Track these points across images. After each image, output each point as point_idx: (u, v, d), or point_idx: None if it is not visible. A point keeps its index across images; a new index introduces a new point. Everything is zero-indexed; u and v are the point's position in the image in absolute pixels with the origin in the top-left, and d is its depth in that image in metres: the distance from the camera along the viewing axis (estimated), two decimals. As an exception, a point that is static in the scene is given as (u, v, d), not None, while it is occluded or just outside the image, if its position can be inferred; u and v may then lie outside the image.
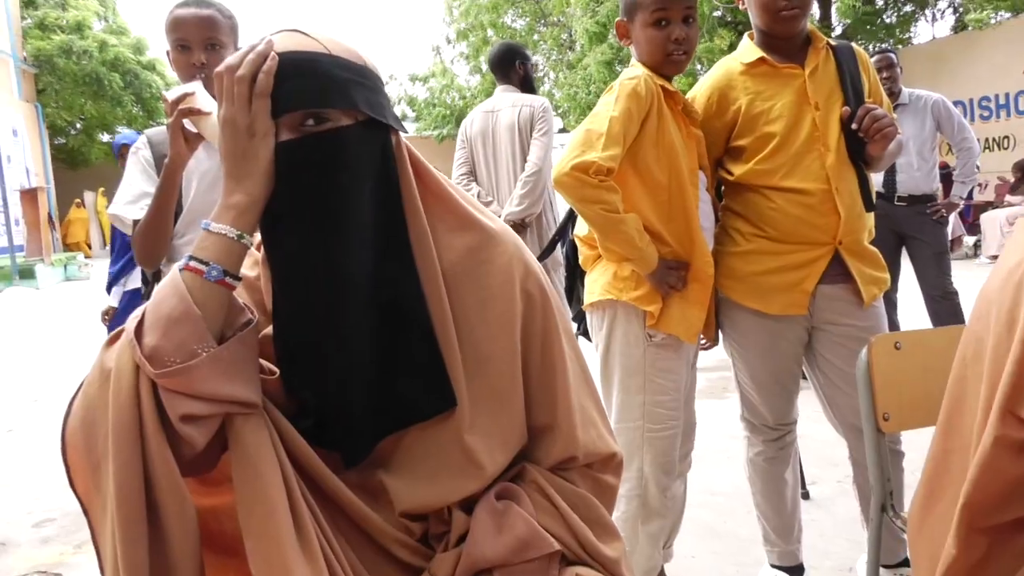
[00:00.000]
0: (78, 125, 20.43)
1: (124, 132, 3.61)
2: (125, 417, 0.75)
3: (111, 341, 0.82)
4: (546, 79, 15.22)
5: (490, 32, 14.93)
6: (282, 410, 0.86)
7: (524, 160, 3.38)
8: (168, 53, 1.81)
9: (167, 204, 1.70)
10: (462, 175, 3.50)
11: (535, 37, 15.01)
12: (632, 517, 1.78)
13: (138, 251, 1.77)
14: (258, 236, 0.88)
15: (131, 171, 1.87)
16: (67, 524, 2.78)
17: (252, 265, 0.95)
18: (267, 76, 0.79)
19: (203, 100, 1.58)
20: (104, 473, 0.76)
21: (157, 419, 0.76)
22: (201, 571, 0.81)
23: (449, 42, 15.91)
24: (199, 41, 1.76)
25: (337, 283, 0.84)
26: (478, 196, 3.39)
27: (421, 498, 0.89)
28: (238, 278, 0.82)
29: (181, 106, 1.55)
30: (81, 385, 0.81)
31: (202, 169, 1.83)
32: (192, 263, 0.80)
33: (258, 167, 0.80)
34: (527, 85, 3.59)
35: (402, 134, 0.91)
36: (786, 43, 1.80)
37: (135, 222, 1.78)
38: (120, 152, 3.48)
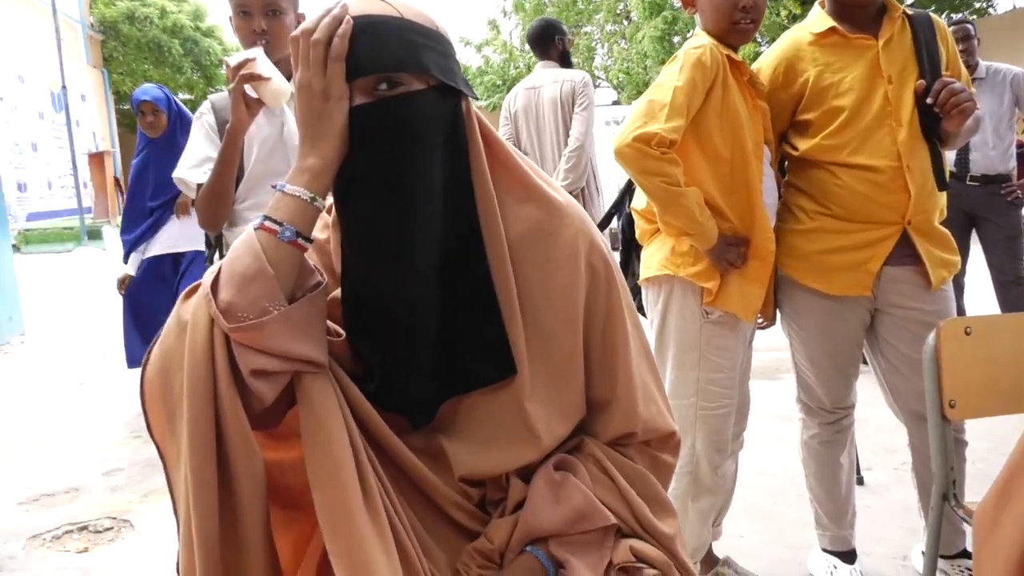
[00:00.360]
0: (142, 91, 20.95)
1: (145, 86, 3.61)
2: (200, 369, 0.78)
3: (188, 294, 0.84)
4: (599, 49, 14.95)
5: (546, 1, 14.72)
6: (347, 371, 0.88)
7: (567, 133, 3.47)
8: (230, 19, 1.83)
9: (229, 169, 1.73)
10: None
11: (590, 7, 14.74)
12: (683, 493, 1.78)
13: (201, 214, 1.82)
14: (330, 199, 0.90)
15: (195, 135, 1.91)
16: (135, 474, 2.92)
17: (322, 228, 0.97)
18: (342, 40, 0.79)
19: (263, 66, 1.60)
20: (179, 421, 0.79)
21: (229, 372, 0.78)
22: (267, 519, 0.83)
23: (505, 14, 15.76)
24: (260, 6, 1.76)
25: (406, 247, 0.85)
26: None
27: (480, 464, 0.91)
28: (310, 240, 0.84)
29: (242, 72, 1.57)
30: (159, 335, 0.84)
31: (263, 135, 1.84)
32: (267, 223, 0.81)
33: (332, 131, 0.81)
34: (566, 60, 3.67)
35: (473, 101, 0.90)
36: (860, 12, 1.72)
37: (199, 186, 1.82)
38: (140, 108, 3.46)
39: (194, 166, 1.86)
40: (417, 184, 0.84)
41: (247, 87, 1.60)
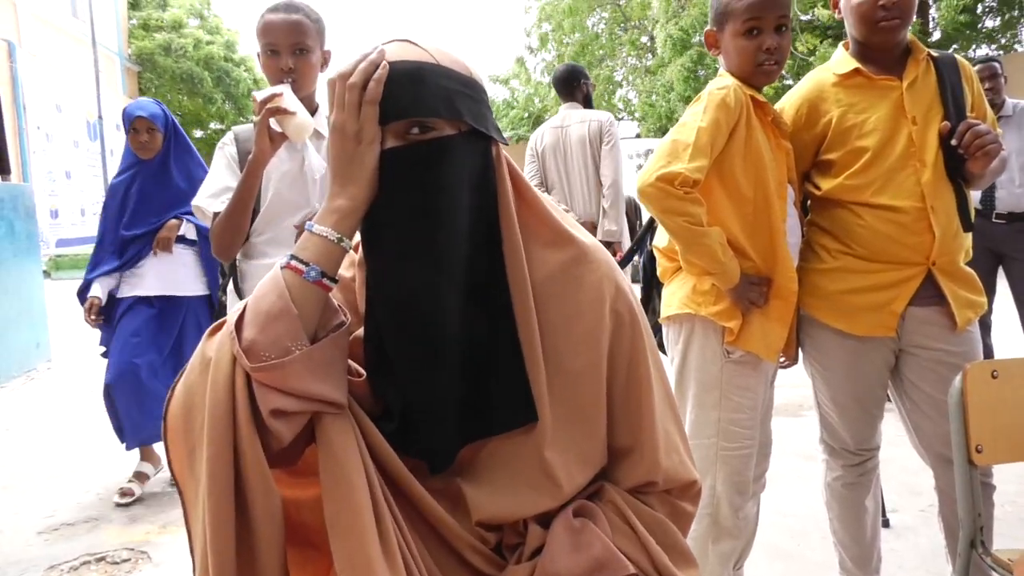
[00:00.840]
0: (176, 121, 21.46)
1: (140, 100, 3.06)
2: (220, 406, 0.79)
3: (213, 331, 0.86)
4: (625, 83, 15.08)
5: (567, 39, 14.92)
6: (367, 412, 0.88)
7: (595, 170, 3.71)
8: (258, 55, 1.87)
9: (247, 200, 1.76)
10: (534, 185, 3.70)
11: (614, 41, 14.91)
12: (703, 536, 1.75)
13: (215, 243, 1.84)
14: (357, 237, 0.91)
15: (216, 165, 1.94)
16: (154, 505, 2.94)
17: (348, 266, 0.98)
18: (377, 84, 0.81)
19: (290, 101, 1.64)
20: (199, 457, 0.80)
21: (249, 411, 0.79)
22: (284, 559, 0.83)
23: (531, 51, 16.01)
24: (287, 46, 1.81)
25: (431, 291, 0.85)
26: None
27: (498, 508, 0.90)
28: (335, 280, 0.85)
29: (268, 105, 1.62)
30: (183, 371, 0.85)
31: (283, 169, 1.87)
32: (293, 262, 0.83)
33: (363, 173, 0.83)
34: (588, 102, 3.92)
35: (503, 146, 0.92)
36: (884, 54, 1.73)
37: (215, 215, 1.85)
38: (132, 125, 2.94)
39: (213, 195, 1.89)
40: (445, 229, 0.85)
41: (272, 121, 1.64)
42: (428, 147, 0.84)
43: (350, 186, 0.83)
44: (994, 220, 3.60)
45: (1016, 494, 2.43)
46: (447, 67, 0.85)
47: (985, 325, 3.65)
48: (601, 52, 14.80)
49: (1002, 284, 3.72)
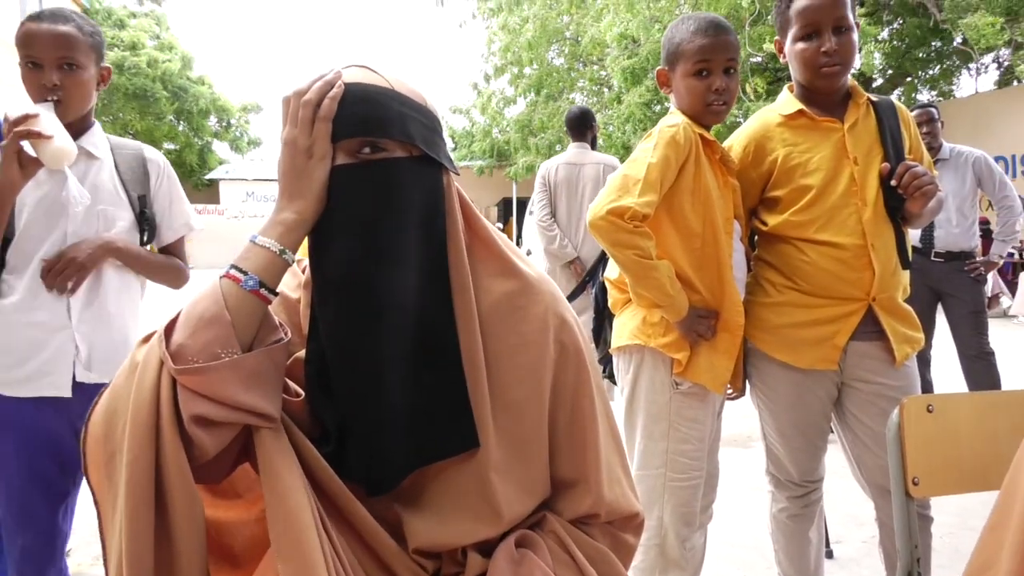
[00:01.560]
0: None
1: None
2: (143, 410, 0.76)
3: (146, 339, 0.84)
4: (580, 116, 15.32)
5: (527, 70, 15.14)
6: (304, 432, 0.86)
7: None
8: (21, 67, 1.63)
9: None
10: (545, 215, 3.99)
11: (572, 75, 15.17)
12: (650, 567, 1.76)
13: None
14: (306, 259, 0.90)
15: None
16: (86, 535, 2.81)
17: (295, 287, 0.98)
18: (332, 102, 0.83)
19: (47, 124, 1.48)
20: (118, 464, 0.77)
21: (173, 417, 0.77)
22: (206, 569, 0.80)
23: (487, 78, 16.20)
24: (53, 60, 1.58)
25: (375, 310, 0.85)
26: (558, 240, 3.91)
27: (435, 536, 0.89)
28: (275, 292, 0.84)
29: (19, 128, 1.45)
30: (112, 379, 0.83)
31: (38, 195, 1.63)
32: (232, 271, 0.82)
33: (311, 188, 0.83)
34: (594, 143, 4.20)
35: (454, 176, 0.93)
36: (826, 97, 1.80)
37: None
38: None
39: None
40: (391, 248, 0.85)
41: (27, 145, 1.46)
42: (378, 167, 0.85)
43: (297, 200, 0.83)
44: (933, 259, 3.74)
45: (953, 526, 2.49)
46: (402, 93, 0.87)
47: (924, 360, 3.77)
48: (561, 85, 15.06)
49: (941, 321, 3.86)
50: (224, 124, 23.05)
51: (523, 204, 14.82)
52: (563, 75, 15.12)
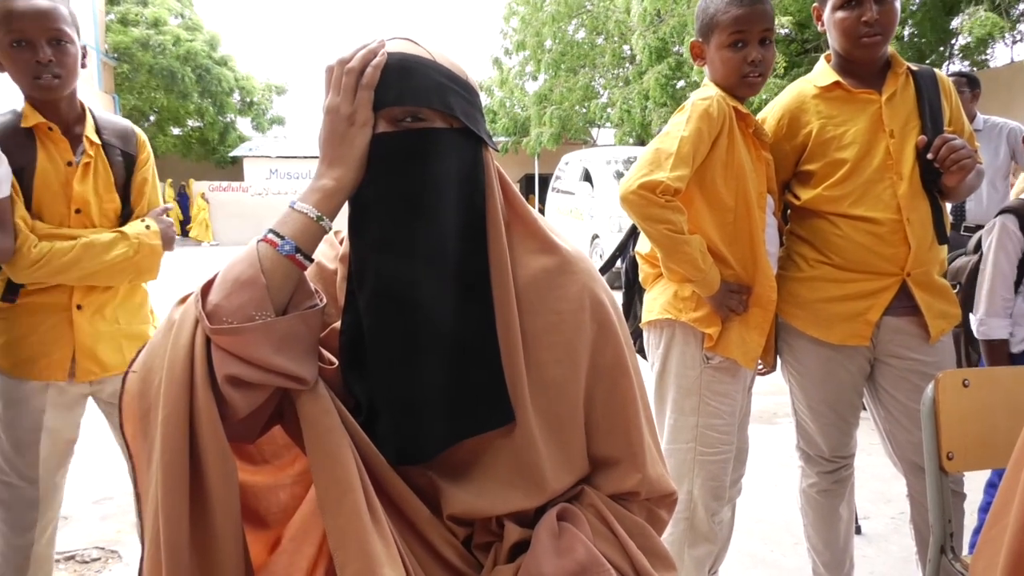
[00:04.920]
0: (151, 117, 21.21)
1: None
2: (178, 367, 0.78)
3: (183, 300, 0.85)
4: (603, 93, 15.17)
5: (548, 43, 14.98)
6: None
7: None
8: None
9: None
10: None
11: (593, 51, 14.98)
12: (679, 540, 1.77)
13: None
14: (344, 231, 0.91)
15: None
16: (124, 503, 2.89)
17: (333, 259, 0.98)
18: (375, 70, 0.83)
19: None
20: (153, 420, 0.79)
21: (207, 375, 0.78)
22: (240, 525, 0.82)
23: (508, 53, 16.06)
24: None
25: (412, 281, 0.86)
26: None
27: (471, 504, 0.90)
28: (310, 258, 0.85)
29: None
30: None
31: None
32: (269, 235, 0.83)
33: (352, 155, 0.83)
34: None
35: (492, 152, 0.93)
36: (864, 68, 1.76)
37: None
38: None
39: None
40: (430, 219, 0.85)
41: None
42: (419, 135, 0.85)
43: (337, 167, 0.84)
44: (963, 232, 3.67)
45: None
46: (444, 66, 0.87)
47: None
48: (581, 61, 14.87)
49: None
50: (247, 103, 23.12)
51: (545, 180, 14.77)
52: (584, 50, 14.93)
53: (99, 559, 2.46)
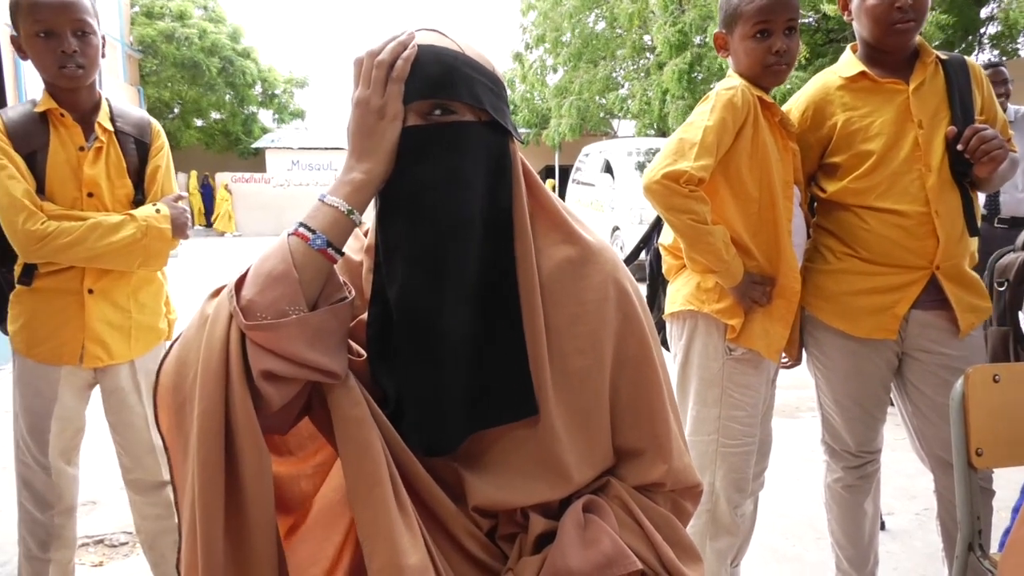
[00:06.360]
0: (175, 109, 21.43)
1: None
2: (214, 361, 0.78)
3: (215, 293, 0.86)
4: (623, 85, 15.07)
5: (567, 36, 14.91)
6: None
7: None
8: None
9: None
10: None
11: (612, 44, 14.88)
12: (700, 533, 1.76)
13: None
14: (368, 223, 0.91)
15: None
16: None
17: (358, 251, 0.98)
18: (405, 63, 0.82)
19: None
20: (188, 413, 0.80)
21: (242, 369, 0.79)
22: (273, 514, 0.83)
23: (528, 47, 16.01)
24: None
25: (440, 274, 0.86)
26: None
27: (496, 496, 0.90)
28: (340, 252, 0.85)
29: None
30: (183, 330, 0.85)
31: None
32: (300, 229, 0.83)
33: (382, 148, 0.83)
34: None
35: (518, 144, 0.93)
36: (892, 57, 1.73)
37: None
38: None
39: None
40: (457, 212, 0.85)
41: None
42: (448, 129, 0.85)
43: (366, 160, 0.83)
44: (996, 225, 3.60)
45: (1015, 500, 2.43)
46: (472, 58, 0.86)
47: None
48: (601, 53, 14.78)
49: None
50: (269, 95, 23.27)
51: (565, 172, 14.72)
52: (603, 42, 14.84)
53: (126, 543, 2.50)
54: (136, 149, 1.80)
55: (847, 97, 1.75)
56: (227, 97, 21.26)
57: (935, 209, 1.65)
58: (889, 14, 1.65)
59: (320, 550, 0.95)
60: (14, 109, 1.71)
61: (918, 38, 1.74)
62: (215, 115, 22.39)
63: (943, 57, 1.75)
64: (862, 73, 1.73)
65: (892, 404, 1.86)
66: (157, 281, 1.89)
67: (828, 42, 11.06)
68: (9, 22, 1.64)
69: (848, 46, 1.85)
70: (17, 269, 1.71)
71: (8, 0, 1.62)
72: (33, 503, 1.79)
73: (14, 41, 1.64)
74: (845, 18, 1.81)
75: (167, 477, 1.85)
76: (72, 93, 1.69)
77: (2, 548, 2.45)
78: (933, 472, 1.79)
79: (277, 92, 23.32)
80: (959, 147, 1.64)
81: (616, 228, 9.52)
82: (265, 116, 23.57)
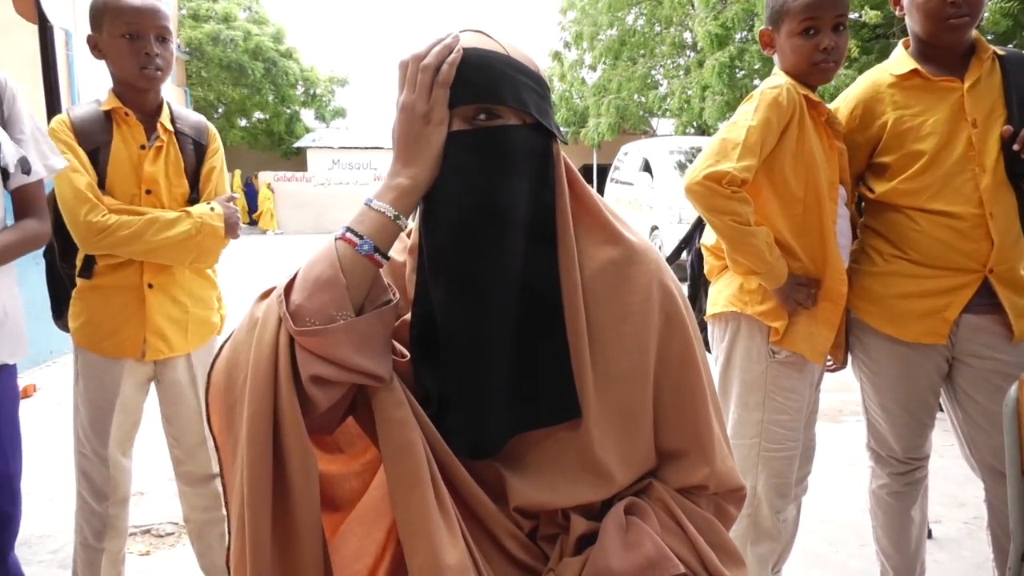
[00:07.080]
0: (220, 110, 21.87)
1: None
2: (263, 366, 0.80)
3: (264, 295, 0.87)
4: (662, 83, 14.94)
5: (607, 33, 14.84)
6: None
7: None
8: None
9: None
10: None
11: (652, 41, 14.76)
12: (742, 537, 1.74)
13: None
14: (411, 223, 0.92)
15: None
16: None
17: (401, 251, 0.99)
18: (451, 67, 0.82)
19: None
20: (238, 415, 0.81)
21: (291, 373, 0.80)
22: (319, 516, 0.84)
23: (567, 46, 15.96)
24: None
25: (483, 276, 0.86)
26: None
27: (537, 497, 0.90)
28: (387, 256, 0.86)
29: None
30: (233, 332, 0.87)
31: None
32: (348, 234, 0.84)
33: (428, 152, 0.84)
34: None
35: (561, 144, 0.92)
36: (947, 53, 1.69)
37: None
38: None
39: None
40: (502, 215, 0.86)
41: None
42: (493, 133, 0.85)
43: (412, 165, 0.84)
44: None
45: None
46: (517, 60, 0.86)
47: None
48: (640, 50, 14.66)
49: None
50: (310, 94, 23.62)
51: (604, 171, 14.65)
52: (642, 39, 14.72)
53: (172, 533, 2.57)
54: (194, 150, 1.87)
55: (898, 95, 1.71)
56: (270, 98, 21.64)
57: (989, 211, 1.61)
58: (942, 9, 1.60)
59: (364, 546, 0.96)
60: (80, 107, 1.78)
61: (974, 32, 1.69)
62: (258, 115, 22.79)
63: (1000, 52, 1.70)
64: (914, 71, 1.69)
65: (941, 409, 1.82)
66: (210, 279, 1.95)
67: (875, 38, 10.80)
68: (88, 22, 1.72)
69: (900, 42, 1.80)
70: (78, 263, 1.77)
71: (91, 1, 1.70)
72: (91, 494, 1.85)
73: (90, 40, 1.72)
74: (897, 13, 1.76)
75: (216, 470, 1.90)
76: (141, 94, 1.77)
77: (55, 536, 2.54)
78: (984, 481, 1.74)
79: (318, 91, 23.66)
80: (1015, 147, 1.59)
81: (655, 227, 9.44)
82: (307, 115, 23.92)
